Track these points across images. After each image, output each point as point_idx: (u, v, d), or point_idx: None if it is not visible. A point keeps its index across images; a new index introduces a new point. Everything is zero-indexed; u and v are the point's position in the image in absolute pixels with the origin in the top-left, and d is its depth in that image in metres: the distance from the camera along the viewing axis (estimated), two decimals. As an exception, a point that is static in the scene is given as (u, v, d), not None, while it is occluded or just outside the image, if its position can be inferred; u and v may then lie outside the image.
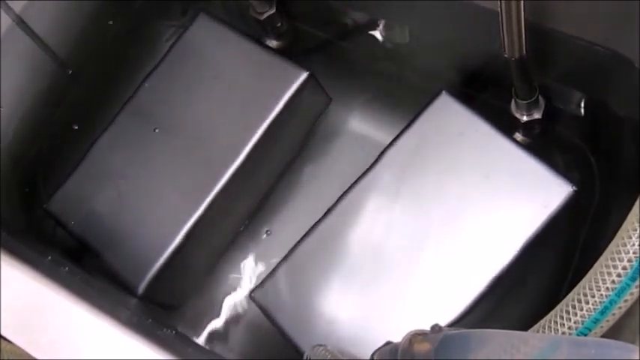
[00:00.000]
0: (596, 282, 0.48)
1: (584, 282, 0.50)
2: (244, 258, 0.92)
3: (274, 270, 0.78)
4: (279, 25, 0.94)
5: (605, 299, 0.48)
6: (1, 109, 0.86)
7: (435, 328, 0.44)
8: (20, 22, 0.85)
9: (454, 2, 0.76)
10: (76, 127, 0.97)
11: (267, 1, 0.90)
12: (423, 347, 0.43)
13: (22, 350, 0.58)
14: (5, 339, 0.59)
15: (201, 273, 0.91)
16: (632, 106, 0.71)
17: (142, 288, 0.79)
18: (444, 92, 0.77)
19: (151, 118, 0.86)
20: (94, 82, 0.98)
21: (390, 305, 0.72)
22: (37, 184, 0.95)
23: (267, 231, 0.92)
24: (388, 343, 0.50)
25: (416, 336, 0.44)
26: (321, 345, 0.60)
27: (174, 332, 0.71)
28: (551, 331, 0.52)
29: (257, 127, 0.81)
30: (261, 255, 0.91)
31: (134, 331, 0.57)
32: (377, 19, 0.89)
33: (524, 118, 0.78)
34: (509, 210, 0.71)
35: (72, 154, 0.90)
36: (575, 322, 0.50)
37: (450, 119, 0.76)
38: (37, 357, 0.57)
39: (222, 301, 0.90)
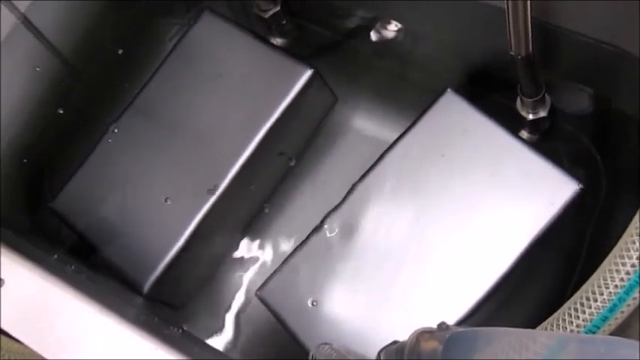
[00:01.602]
0: (604, 280, 0.48)
1: (592, 280, 0.50)
2: (249, 256, 0.92)
3: (280, 268, 0.78)
4: (283, 23, 0.93)
5: (613, 297, 0.48)
6: (2, 110, 0.86)
7: (442, 326, 0.44)
8: (25, 20, 0.85)
9: (460, 0, 0.76)
10: (80, 126, 0.97)
11: (272, -1, 0.90)
12: (430, 345, 0.43)
13: (29, 349, 0.58)
14: (12, 337, 0.59)
15: (207, 271, 0.91)
16: (638, 104, 0.71)
17: (147, 287, 0.80)
18: (449, 90, 0.77)
19: (156, 116, 0.86)
20: (99, 81, 0.98)
21: (396, 304, 0.72)
22: (42, 183, 0.95)
23: (272, 229, 0.92)
24: (395, 342, 0.50)
25: (423, 334, 0.44)
26: (326, 343, 0.60)
27: (180, 331, 0.71)
28: (559, 329, 0.52)
29: (262, 124, 0.81)
30: (267, 253, 0.91)
31: (141, 330, 0.57)
32: (382, 17, 0.89)
33: (530, 116, 0.77)
34: (515, 208, 0.71)
35: (77, 152, 0.90)
36: (583, 320, 0.50)
37: (455, 117, 0.75)
38: (44, 356, 0.57)
39: (227, 300, 0.90)
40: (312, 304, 0.75)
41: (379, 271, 0.73)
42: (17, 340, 0.59)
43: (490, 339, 0.39)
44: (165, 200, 0.82)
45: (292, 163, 0.85)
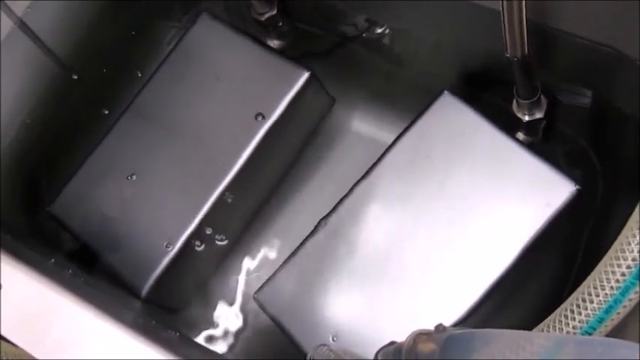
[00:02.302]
0: (601, 281, 0.48)
1: (589, 281, 0.50)
2: (247, 259, 0.92)
3: (277, 271, 0.78)
4: (280, 25, 0.93)
5: (609, 298, 0.48)
6: (2, 112, 0.86)
7: (439, 327, 0.44)
8: (21, 24, 0.85)
9: (456, 2, 0.76)
10: (79, 129, 0.97)
11: (268, 2, 0.90)
12: (427, 347, 0.43)
13: (26, 352, 0.58)
14: (9, 341, 0.59)
15: (205, 274, 0.91)
16: (635, 105, 0.71)
17: (145, 290, 0.80)
18: (446, 92, 0.77)
19: (154, 118, 0.86)
20: (96, 84, 0.98)
21: (394, 305, 0.72)
22: (40, 186, 0.95)
23: (270, 232, 0.92)
24: (392, 343, 0.50)
25: (420, 336, 0.44)
26: (324, 345, 0.61)
27: (178, 334, 0.71)
28: (555, 331, 0.52)
29: (260, 127, 0.81)
30: (264, 256, 0.91)
31: (139, 333, 0.58)
32: (379, 18, 0.89)
33: (526, 118, 0.77)
34: (512, 209, 0.71)
35: (75, 156, 0.90)
36: (579, 322, 0.50)
37: (452, 119, 0.76)
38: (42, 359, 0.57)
39: (225, 303, 0.90)
40: (310, 307, 0.75)
41: (376, 272, 0.73)
42: (15, 344, 0.59)
43: (487, 340, 0.39)
44: (164, 203, 0.82)
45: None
